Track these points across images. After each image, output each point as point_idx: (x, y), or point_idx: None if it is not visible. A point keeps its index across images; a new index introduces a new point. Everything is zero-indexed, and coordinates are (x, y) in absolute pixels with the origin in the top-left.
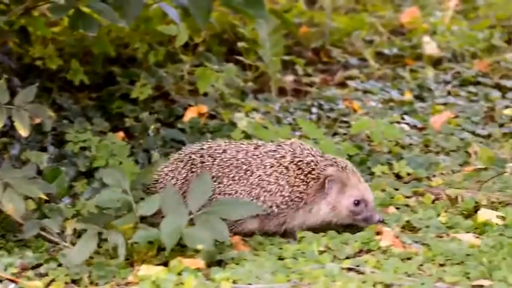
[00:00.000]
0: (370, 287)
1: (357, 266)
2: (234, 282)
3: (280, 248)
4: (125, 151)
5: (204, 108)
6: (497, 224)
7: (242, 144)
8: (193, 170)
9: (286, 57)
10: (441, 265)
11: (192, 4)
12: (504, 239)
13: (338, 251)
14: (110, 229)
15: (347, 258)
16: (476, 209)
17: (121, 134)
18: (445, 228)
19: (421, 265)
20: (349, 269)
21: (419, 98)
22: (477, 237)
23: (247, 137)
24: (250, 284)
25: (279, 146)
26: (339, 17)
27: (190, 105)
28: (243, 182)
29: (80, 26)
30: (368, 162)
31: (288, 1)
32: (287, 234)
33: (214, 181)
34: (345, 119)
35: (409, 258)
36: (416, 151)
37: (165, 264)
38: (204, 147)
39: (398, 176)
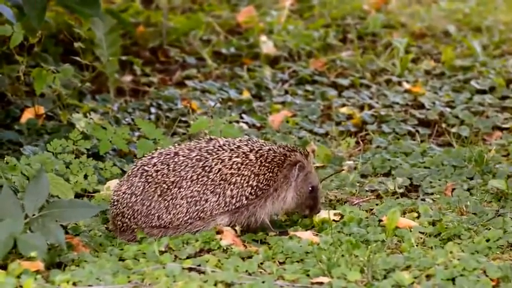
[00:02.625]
0: (212, 286)
1: (198, 265)
2: (74, 284)
3: (121, 249)
4: None
5: (42, 109)
6: (335, 221)
7: (192, 143)
8: (149, 181)
9: (124, 57)
10: (281, 263)
11: (26, 3)
12: (342, 236)
13: (179, 251)
14: None
15: (188, 258)
16: None
17: None
18: (285, 227)
19: (262, 263)
20: (190, 269)
21: (258, 97)
22: (316, 235)
23: (86, 137)
24: (90, 285)
25: (231, 140)
26: (175, 17)
27: (27, 107)
28: (202, 180)
29: None
30: None
31: (124, 1)
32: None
33: (174, 187)
34: (183, 118)
35: (249, 257)
36: None
37: (4, 267)
38: (154, 155)
39: None
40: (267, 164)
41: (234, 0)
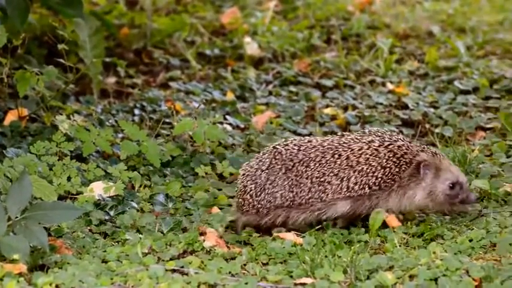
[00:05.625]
0: (195, 287)
1: (181, 267)
2: (57, 286)
3: (104, 251)
4: None
5: (25, 111)
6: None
7: (325, 136)
8: (277, 157)
9: (108, 59)
10: (264, 264)
11: (9, 5)
12: (326, 237)
13: (162, 252)
14: None
15: (171, 259)
16: None
17: None
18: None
19: (245, 264)
20: (174, 270)
21: (241, 98)
22: (299, 236)
23: (70, 139)
24: (73, 287)
25: (365, 133)
26: (159, 18)
27: (10, 109)
28: (330, 165)
29: None
30: (191, 163)
31: (108, 3)
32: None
33: (301, 165)
34: (167, 120)
35: (232, 258)
36: (239, 151)
37: None
38: (288, 140)
39: (221, 176)
40: (395, 159)
41: (218, 2)
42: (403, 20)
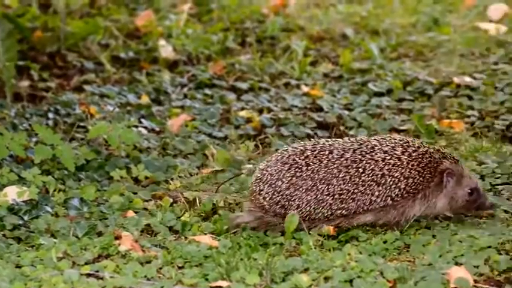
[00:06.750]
0: None
1: (97, 271)
2: None
3: (18, 256)
4: None
5: None
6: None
7: (346, 142)
8: (298, 174)
9: (21, 63)
10: (180, 267)
11: None
12: (241, 240)
13: (77, 257)
14: None
15: (86, 263)
16: (214, 210)
17: None
18: (184, 231)
19: (161, 268)
20: (89, 275)
21: (157, 101)
22: (215, 239)
23: None
24: None
25: (385, 139)
26: (73, 22)
27: None
28: (354, 181)
29: None
30: (106, 167)
31: (21, 5)
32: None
33: (324, 183)
34: (82, 123)
35: (148, 262)
36: (154, 154)
37: None
38: (307, 146)
39: (136, 180)
40: (418, 169)
41: (132, 5)
42: (317, 23)
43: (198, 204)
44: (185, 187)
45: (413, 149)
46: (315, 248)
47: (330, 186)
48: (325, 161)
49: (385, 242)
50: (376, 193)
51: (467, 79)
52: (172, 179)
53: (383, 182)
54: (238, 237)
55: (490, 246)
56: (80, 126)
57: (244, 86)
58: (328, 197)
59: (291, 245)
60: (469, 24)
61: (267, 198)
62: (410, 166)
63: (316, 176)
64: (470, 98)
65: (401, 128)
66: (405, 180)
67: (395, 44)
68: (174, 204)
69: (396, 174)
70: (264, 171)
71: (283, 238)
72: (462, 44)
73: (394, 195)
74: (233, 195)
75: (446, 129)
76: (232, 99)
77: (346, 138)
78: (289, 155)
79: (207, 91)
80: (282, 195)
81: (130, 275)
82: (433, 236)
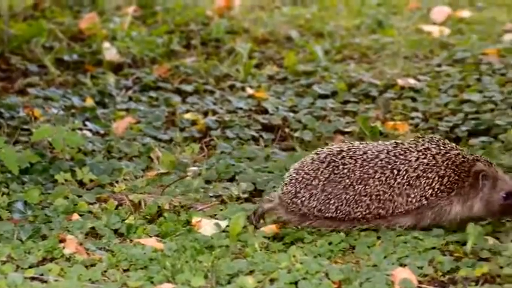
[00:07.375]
0: None
1: (41, 274)
2: None
3: None
4: None
5: None
6: (180, 227)
7: (379, 144)
8: (336, 172)
9: None
10: (125, 270)
11: None
12: (187, 242)
13: (21, 260)
14: None
15: (30, 267)
16: (159, 213)
17: None
18: (129, 234)
19: (105, 271)
20: (33, 278)
21: (101, 104)
22: (160, 242)
23: None
24: None
25: (418, 141)
26: (17, 24)
27: None
28: (389, 182)
29: None
30: (50, 170)
31: None
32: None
33: (360, 183)
34: (26, 126)
35: (93, 265)
36: (99, 157)
37: None
38: (343, 148)
39: (81, 183)
40: (453, 167)
41: (76, 7)
42: (262, 25)
43: (143, 206)
44: (130, 190)
45: (447, 150)
46: (260, 250)
47: (366, 187)
48: (359, 162)
49: (330, 244)
50: (412, 195)
51: (411, 81)
52: (117, 182)
53: (417, 183)
54: (184, 240)
55: (434, 247)
56: (24, 129)
57: (189, 88)
58: (365, 198)
59: (236, 247)
60: (413, 27)
61: (304, 200)
62: (445, 165)
63: (353, 175)
64: (414, 99)
65: (346, 130)
66: (440, 180)
67: (340, 46)
68: (119, 207)
69: (431, 175)
70: (300, 170)
71: (228, 240)
72: (406, 46)
73: (428, 195)
74: (178, 198)
75: (391, 131)
76: (177, 102)
77: (380, 141)
78: (326, 155)
79: (152, 94)
80: (318, 196)
81: (75, 278)
82: (378, 238)
